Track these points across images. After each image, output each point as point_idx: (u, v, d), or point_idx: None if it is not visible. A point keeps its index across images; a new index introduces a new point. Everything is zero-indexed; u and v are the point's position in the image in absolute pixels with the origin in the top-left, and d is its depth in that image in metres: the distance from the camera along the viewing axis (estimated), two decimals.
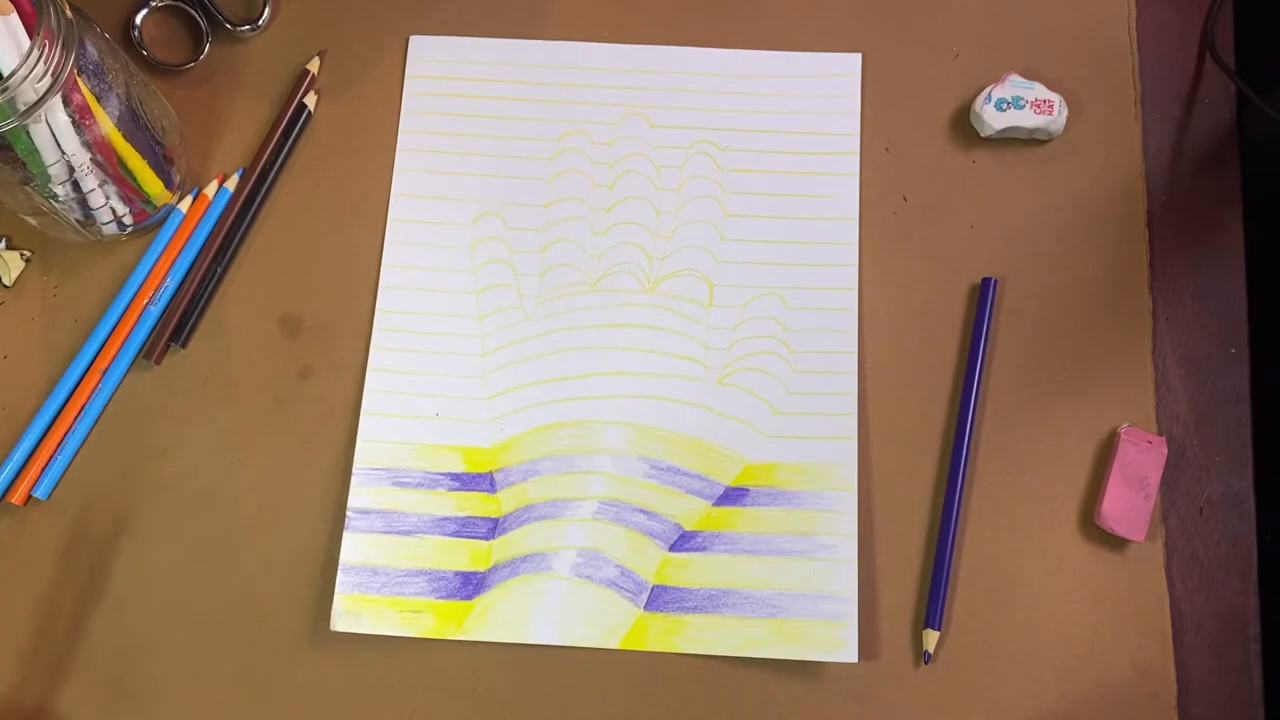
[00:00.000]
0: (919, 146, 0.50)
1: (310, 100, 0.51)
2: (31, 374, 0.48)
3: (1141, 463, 0.46)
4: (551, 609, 0.45)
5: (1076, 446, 0.47)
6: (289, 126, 0.50)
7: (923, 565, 0.46)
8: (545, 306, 0.49)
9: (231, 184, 0.50)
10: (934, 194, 0.50)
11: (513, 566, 0.46)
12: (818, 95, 0.51)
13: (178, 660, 0.45)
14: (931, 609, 0.45)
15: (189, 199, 0.50)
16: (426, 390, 0.48)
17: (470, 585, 0.46)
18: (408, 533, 0.46)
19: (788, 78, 0.51)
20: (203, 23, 0.51)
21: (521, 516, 0.46)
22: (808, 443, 0.47)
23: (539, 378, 0.48)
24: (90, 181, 0.44)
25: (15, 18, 0.39)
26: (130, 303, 0.48)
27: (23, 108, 0.39)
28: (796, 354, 0.48)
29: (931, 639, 0.44)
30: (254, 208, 0.50)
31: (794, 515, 0.46)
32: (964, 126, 0.51)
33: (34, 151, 0.42)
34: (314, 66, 0.51)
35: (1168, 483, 0.47)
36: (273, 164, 0.50)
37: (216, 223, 0.49)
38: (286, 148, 0.50)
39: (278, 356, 0.48)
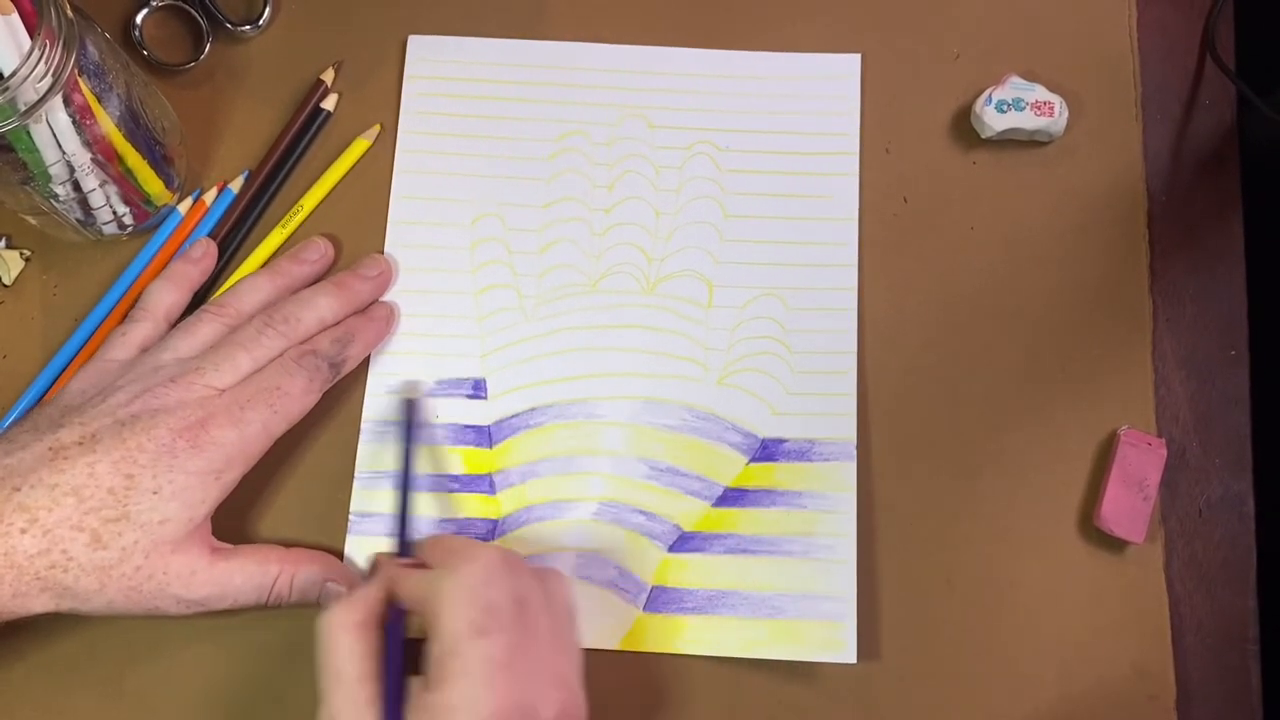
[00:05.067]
0: (919, 148, 0.50)
1: (330, 102, 0.51)
2: (31, 373, 0.48)
3: (1141, 464, 0.46)
4: None
5: (1076, 448, 0.47)
6: (300, 133, 0.50)
7: (921, 565, 0.46)
8: (544, 307, 0.49)
9: (236, 185, 0.50)
10: (934, 195, 0.50)
11: None
12: (817, 96, 0.51)
13: (178, 660, 0.45)
14: None
15: (189, 200, 0.50)
16: (426, 391, 0.48)
17: None
18: None
19: (787, 78, 0.51)
20: (203, 22, 0.51)
21: (520, 518, 0.46)
22: (807, 443, 0.47)
23: (538, 379, 0.48)
24: (90, 181, 0.44)
25: (16, 17, 0.39)
26: (119, 301, 0.48)
27: (23, 108, 0.39)
28: (796, 355, 0.48)
29: None
30: (257, 212, 0.50)
31: (793, 516, 0.46)
32: (964, 128, 0.51)
33: (34, 151, 0.42)
34: (328, 77, 0.51)
35: (1167, 484, 0.47)
36: (279, 170, 0.50)
37: (217, 223, 0.49)
38: (297, 153, 0.50)
39: None
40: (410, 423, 0.45)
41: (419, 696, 0.36)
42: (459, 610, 0.36)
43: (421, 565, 0.40)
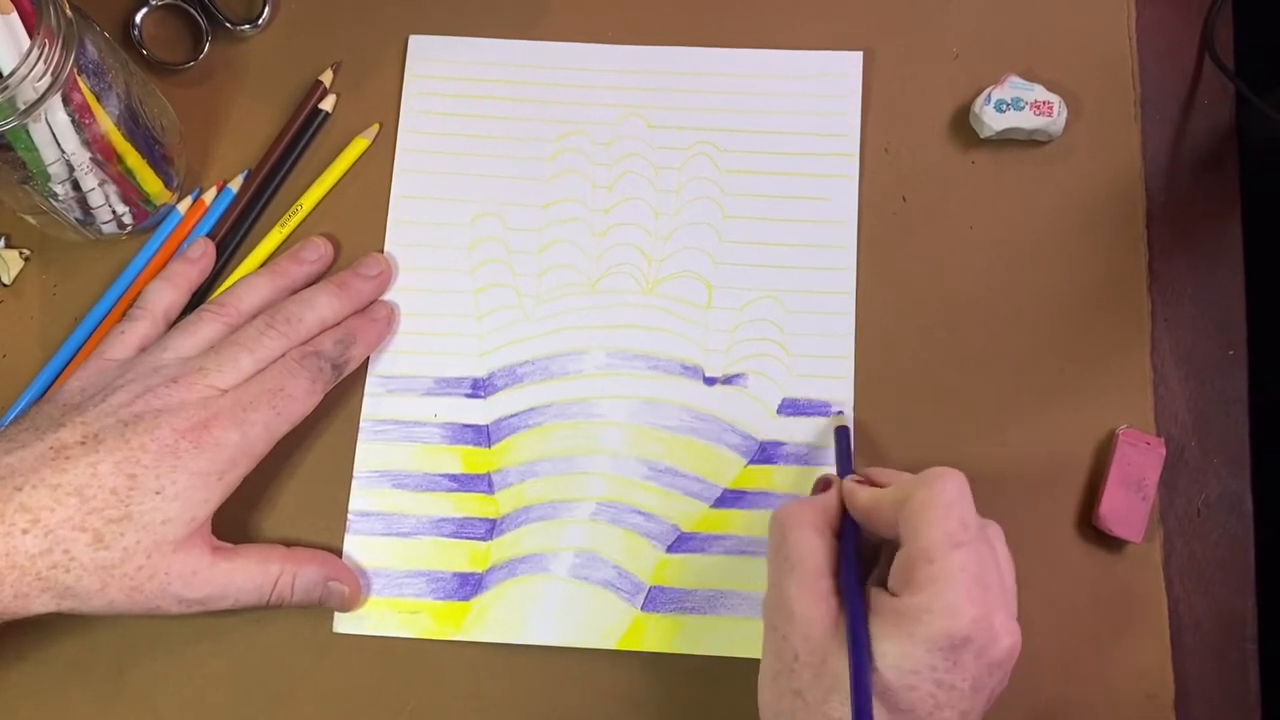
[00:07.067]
0: (918, 147, 0.50)
1: (329, 103, 0.51)
2: (31, 372, 0.48)
3: (1140, 464, 0.46)
4: (549, 609, 0.45)
5: (1074, 447, 0.47)
6: (299, 133, 0.50)
7: None
8: (543, 307, 0.49)
9: (235, 185, 0.50)
10: (933, 195, 0.50)
11: (510, 567, 0.46)
12: (818, 95, 0.51)
13: (178, 660, 0.45)
14: None
15: (188, 200, 0.50)
16: (425, 390, 0.48)
17: (468, 586, 0.46)
18: (407, 534, 0.46)
19: (787, 77, 0.51)
20: (203, 22, 0.51)
21: (519, 518, 0.47)
22: (805, 447, 0.47)
23: (537, 378, 0.48)
24: (90, 181, 0.44)
25: (15, 17, 0.39)
26: (118, 300, 0.48)
27: (22, 107, 0.39)
28: (794, 357, 0.48)
29: None
30: (256, 211, 0.50)
31: None
32: (963, 127, 0.51)
33: (33, 150, 0.42)
34: (326, 78, 0.51)
35: (1166, 484, 0.47)
36: (278, 170, 0.50)
37: (216, 223, 0.49)
38: (295, 154, 0.50)
39: None
40: (845, 449, 0.45)
41: (883, 600, 0.36)
42: (936, 521, 0.36)
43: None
